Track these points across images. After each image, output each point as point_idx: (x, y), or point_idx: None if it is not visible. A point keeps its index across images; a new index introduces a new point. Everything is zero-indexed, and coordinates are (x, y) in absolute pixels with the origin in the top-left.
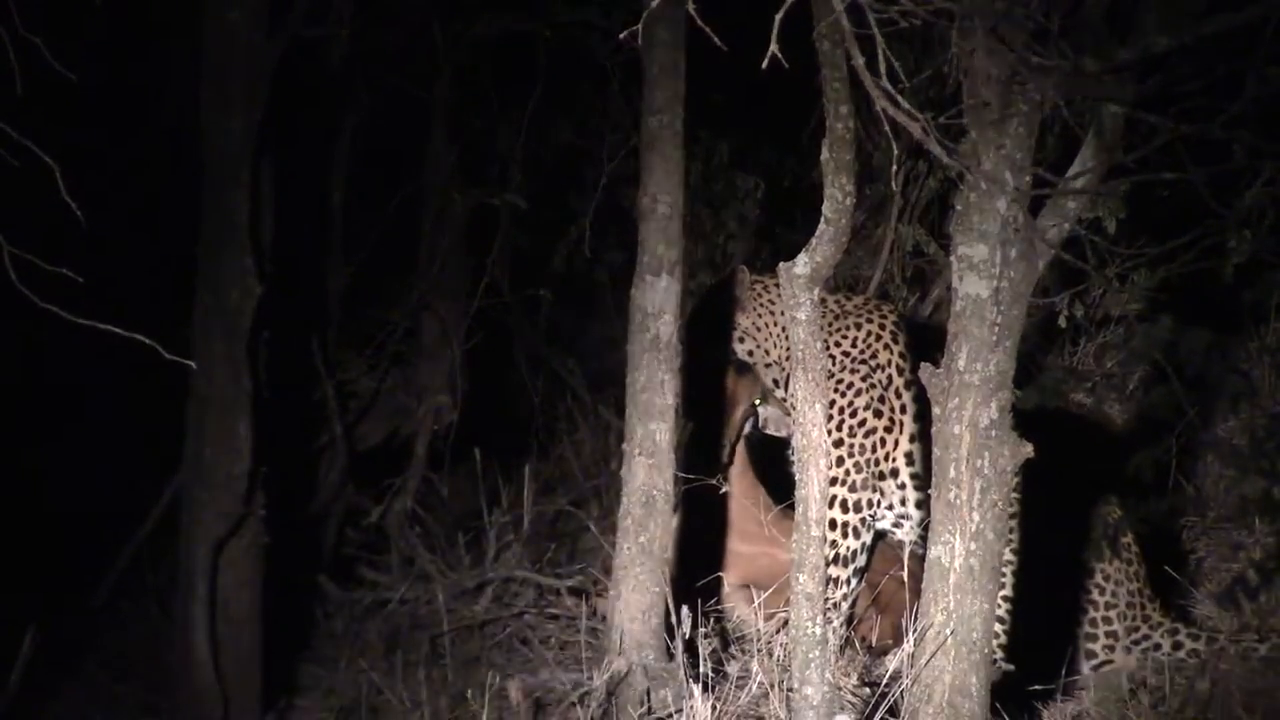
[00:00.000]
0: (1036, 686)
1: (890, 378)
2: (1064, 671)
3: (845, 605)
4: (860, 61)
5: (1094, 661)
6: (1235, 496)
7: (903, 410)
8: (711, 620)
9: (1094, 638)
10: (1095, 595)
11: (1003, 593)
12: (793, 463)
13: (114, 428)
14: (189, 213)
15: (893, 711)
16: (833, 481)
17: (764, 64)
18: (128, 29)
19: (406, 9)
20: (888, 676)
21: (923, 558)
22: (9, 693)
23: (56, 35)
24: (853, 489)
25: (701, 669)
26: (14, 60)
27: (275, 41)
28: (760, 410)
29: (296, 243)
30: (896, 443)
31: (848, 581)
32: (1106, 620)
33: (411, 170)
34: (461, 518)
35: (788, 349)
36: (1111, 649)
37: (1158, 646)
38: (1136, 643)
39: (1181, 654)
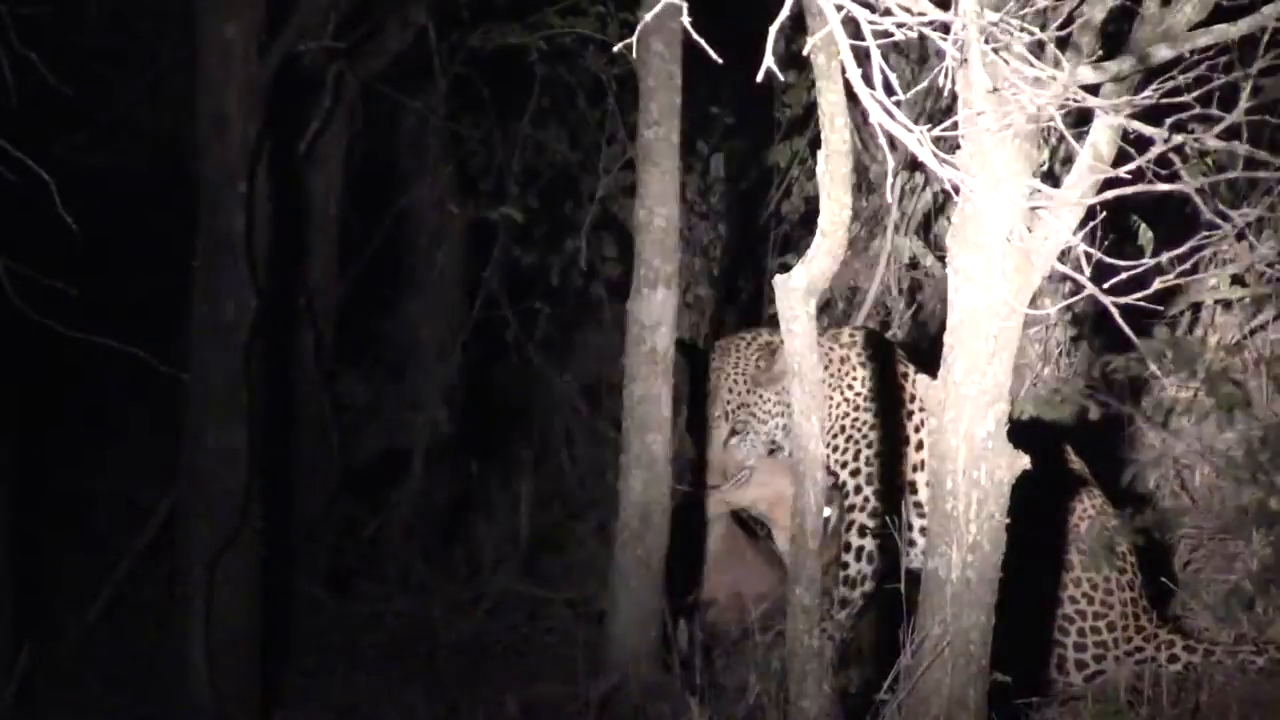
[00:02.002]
0: (1033, 699)
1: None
2: (1050, 680)
3: (847, 625)
4: (856, 73)
5: (1085, 671)
6: (1232, 507)
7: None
8: (708, 632)
9: (1083, 647)
10: (1084, 605)
11: None
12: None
13: (111, 438)
14: (186, 226)
15: None
16: (851, 508)
17: (759, 77)
18: (124, 44)
19: (402, 22)
20: (884, 688)
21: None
22: (5, 705)
23: (53, 50)
24: (872, 515)
25: (698, 681)
26: (9, 75)
27: (271, 55)
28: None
29: (293, 255)
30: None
31: (855, 602)
32: (1095, 630)
33: (408, 183)
34: (457, 530)
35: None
36: (1102, 659)
37: (1152, 659)
38: (1129, 654)
39: (1177, 667)
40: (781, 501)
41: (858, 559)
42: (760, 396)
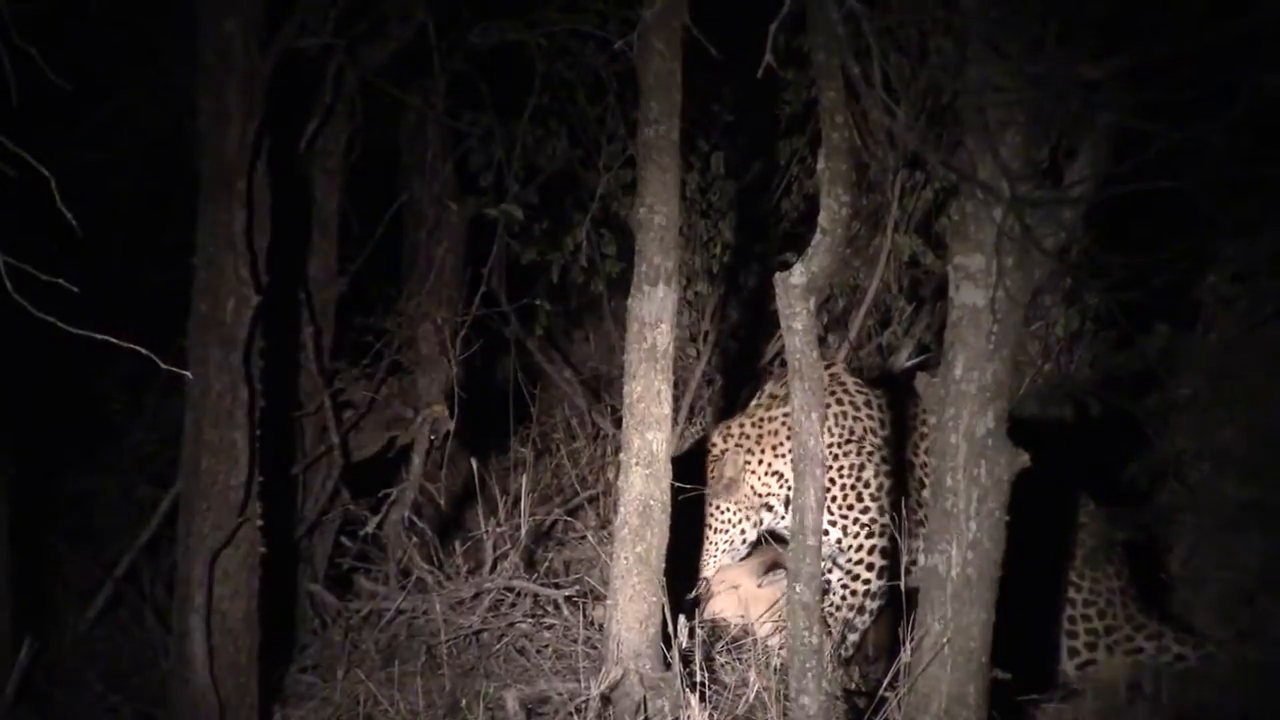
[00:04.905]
0: (1033, 695)
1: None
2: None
3: (859, 634)
4: (856, 71)
5: (1077, 660)
6: (1232, 504)
7: (888, 461)
8: (709, 628)
9: (1074, 634)
10: (1073, 593)
11: None
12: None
13: (112, 436)
14: (186, 223)
15: None
16: (866, 526)
17: (759, 73)
18: (124, 39)
19: (402, 18)
20: (884, 684)
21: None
22: (5, 703)
23: (53, 45)
24: (883, 534)
25: (698, 678)
26: (9, 70)
27: (271, 52)
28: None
29: (293, 251)
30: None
31: (871, 614)
32: (1086, 618)
33: (407, 179)
34: (458, 527)
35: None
36: (1094, 647)
37: (1141, 649)
38: (1119, 642)
39: (1168, 658)
40: (755, 601)
41: (879, 576)
42: (716, 507)
